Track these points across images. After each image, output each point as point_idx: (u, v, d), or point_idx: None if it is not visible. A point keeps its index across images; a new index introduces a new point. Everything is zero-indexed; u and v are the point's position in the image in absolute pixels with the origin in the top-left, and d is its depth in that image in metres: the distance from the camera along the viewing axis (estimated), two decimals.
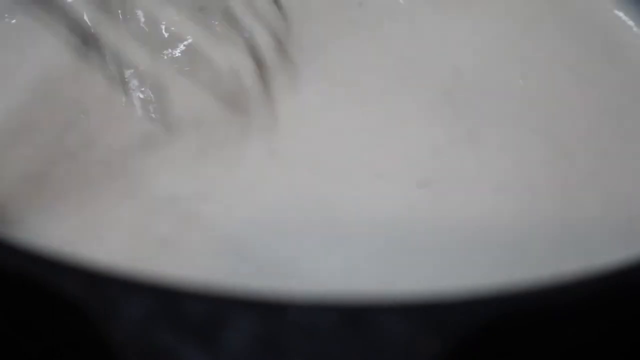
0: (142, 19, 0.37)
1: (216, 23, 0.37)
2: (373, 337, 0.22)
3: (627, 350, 0.26)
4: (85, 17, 0.34)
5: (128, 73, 0.35)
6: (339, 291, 0.30)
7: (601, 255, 0.30)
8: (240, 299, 0.23)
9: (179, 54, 0.38)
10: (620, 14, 0.43)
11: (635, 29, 0.43)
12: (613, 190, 0.36)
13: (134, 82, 0.36)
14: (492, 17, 0.43)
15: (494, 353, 0.24)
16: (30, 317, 0.25)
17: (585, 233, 0.34)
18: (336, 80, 0.38)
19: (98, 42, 0.33)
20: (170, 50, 0.38)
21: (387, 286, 0.31)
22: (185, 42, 0.38)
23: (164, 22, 0.38)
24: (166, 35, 0.38)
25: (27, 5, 0.32)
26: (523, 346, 0.24)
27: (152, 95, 0.36)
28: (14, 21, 0.39)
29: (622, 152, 0.37)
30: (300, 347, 0.22)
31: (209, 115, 0.36)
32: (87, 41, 0.32)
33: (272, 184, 0.35)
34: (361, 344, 0.22)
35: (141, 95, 0.36)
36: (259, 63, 0.35)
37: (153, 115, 0.35)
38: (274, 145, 0.36)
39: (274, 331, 0.22)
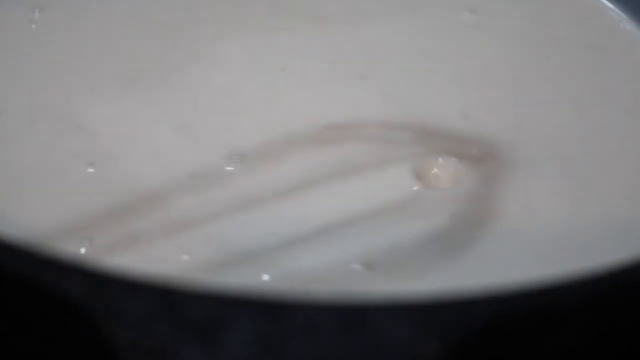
0: None
1: None
2: (373, 337, 0.22)
3: (627, 350, 0.26)
4: None
5: None
6: (339, 291, 0.31)
7: (601, 255, 0.30)
8: (240, 299, 0.23)
9: None
10: (612, 6, 0.44)
11: (625, 22, 0.43)
12: (613, 191, 0.36)
13: None
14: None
15: (494, 353, 0.24)
16: (30, 317, 0.25)
17: (585, 234, 0.34)
18: None
19: None
20: None
21: (387, 286, 0.31)
22: None
23: None
24: None
25: None
26: (523, 346, 0.24)
27: None
28: None
29: (622, 151, 0.37)
30: (300, 347, 0.22)
31: None
32: None
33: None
34: (361, 344, 0.22)
35: None
36: None
37: None
38: None
39: (274, 331, 0.22)
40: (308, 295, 0.23)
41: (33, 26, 0.40)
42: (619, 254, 0.30)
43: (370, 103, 0.38)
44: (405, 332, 0.22)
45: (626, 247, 0.32)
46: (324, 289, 0.31)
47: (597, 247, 0.33)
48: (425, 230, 0.33)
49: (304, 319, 0.23)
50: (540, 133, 0.37)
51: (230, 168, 0.35)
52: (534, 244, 0.33)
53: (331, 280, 0.31)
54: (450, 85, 0.40)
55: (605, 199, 0.35)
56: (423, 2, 0.44)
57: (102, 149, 0.36)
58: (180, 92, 0.38)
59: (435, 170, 0.35)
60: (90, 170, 0.35)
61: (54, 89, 0.38)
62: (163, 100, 0.38)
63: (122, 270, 0.23)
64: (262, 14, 0.42)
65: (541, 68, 0.41)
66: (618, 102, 0.39)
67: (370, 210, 0.34)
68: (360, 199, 0.34)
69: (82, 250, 0.32)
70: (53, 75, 0.38)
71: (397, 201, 0.34)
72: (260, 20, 0.42)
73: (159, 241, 0.32)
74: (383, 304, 0.23)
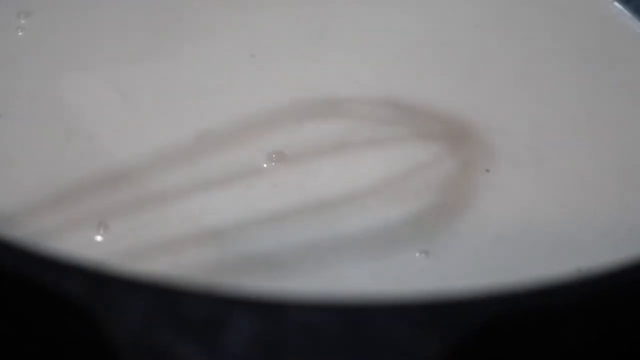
0: None
1: None
2: (373, 337, 0.22)
3: (627, 350, 0.26)
4: None
5: None
6: (339, 291, 0.31)
7: (601, 257, 0.30)
8: (240, 299, 0.23)
9: None
10: (618, 5, 0.44)
11: (632, 21, 0.43)
12: (613, 193, 0.36)
13: None
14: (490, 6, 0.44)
15: (494, 353, 0.24)
16: (30, 317, 0.25)
17: (585, 237, 0.34)
18: None
19: None
20: None
21: (388, 285, 0.31)
22: None
23: None
24: None
25: None
26: (523, 346, 0.24)
27: None
28: None
29: (621, 152, 0.37)
30: (300, 348, 0.22)
31: None
32: None
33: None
34: (361, 344, 0.22)
35: None
36: None
37: None
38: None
39: (274, 331, 0.22)
40: (308, 296, 0.23)
41: (20, 33, 0.41)
42: (601, 254, 0.31)
43: (353, 80, 0.39)
44: (405, 332, 0.22)
45: (606, 248, 0.33)
46: (289, 271, 0.32)
47: (577, 245, 0.33)
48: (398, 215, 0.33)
49: (304, 319, 0.23)
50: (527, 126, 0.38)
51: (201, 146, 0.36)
52: (506, 236, 0.33)
53: (297, 262, 0.32)
54: (441, 69, 0.40)
55: (588, 197, 0.35)
56: None
57: (102, 150, 0.36)
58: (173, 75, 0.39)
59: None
60: (86, 164, 0.35)
61: (47, 88, 0.39)
62: (151, 89, 0.39)
63: (122, 270, 0.23)
64: None
65: (538, 62, 0.41)
66: (617, 99, 0.39)
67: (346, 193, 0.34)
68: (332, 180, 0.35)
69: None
70: (45, 75, 0.39)
71: (372, 185, 0.35)
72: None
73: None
74: (383, 304, 0.23)
